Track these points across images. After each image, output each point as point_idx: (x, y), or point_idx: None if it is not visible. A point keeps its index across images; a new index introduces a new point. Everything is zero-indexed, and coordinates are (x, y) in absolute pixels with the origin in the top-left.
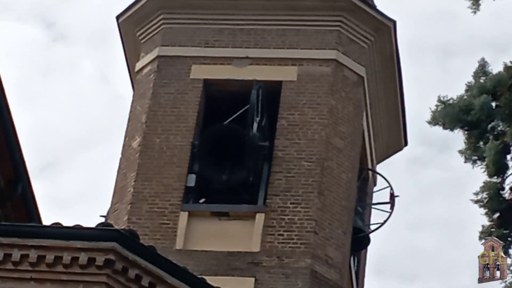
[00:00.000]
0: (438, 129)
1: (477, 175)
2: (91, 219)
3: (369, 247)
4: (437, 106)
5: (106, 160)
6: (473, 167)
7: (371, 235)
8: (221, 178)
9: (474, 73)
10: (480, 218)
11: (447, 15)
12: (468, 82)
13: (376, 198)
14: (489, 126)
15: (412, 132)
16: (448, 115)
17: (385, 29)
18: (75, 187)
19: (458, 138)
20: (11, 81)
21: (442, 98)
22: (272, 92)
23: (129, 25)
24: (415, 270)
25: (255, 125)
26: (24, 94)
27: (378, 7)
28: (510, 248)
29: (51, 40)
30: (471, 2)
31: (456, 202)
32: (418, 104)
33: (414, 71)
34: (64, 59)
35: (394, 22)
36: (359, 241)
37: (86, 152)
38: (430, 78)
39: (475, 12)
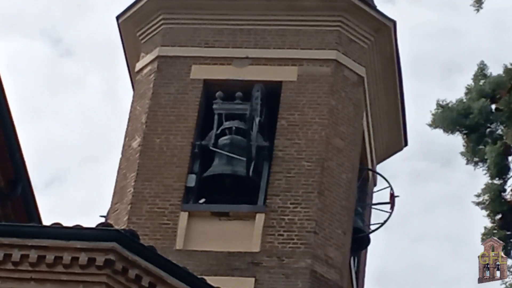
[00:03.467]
0: (440, 142)
1: (479, 184)
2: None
3: (371, 260)
4: (436, 109)
5: (113, 174)
6: (474, 169)
7: (371, 236)
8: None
9: (474, 75)
10: (482, 227)
11: (449, 31)
12: (468, 85)
13: (376, 198)
14: (488, 130)
15: (415, 145)
16: (447, 119)
17: (385, 29)
18: (81, 201)
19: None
20: (18, 96)
21: (441, 102)
22: (272, 92)
23: (129, 26)
24: (418, 284)
25: (255, 125)
26: (31, 109)
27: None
28: (511, 249)
29: (58, 56)
30: (474, 0)
31: (458, 215)
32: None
33: (415, 85)
34: (71, 75)
35: (394, 22)
36: (359, 241)
37: (92, 166)
38: (431, 93)
39: (478, 10)
